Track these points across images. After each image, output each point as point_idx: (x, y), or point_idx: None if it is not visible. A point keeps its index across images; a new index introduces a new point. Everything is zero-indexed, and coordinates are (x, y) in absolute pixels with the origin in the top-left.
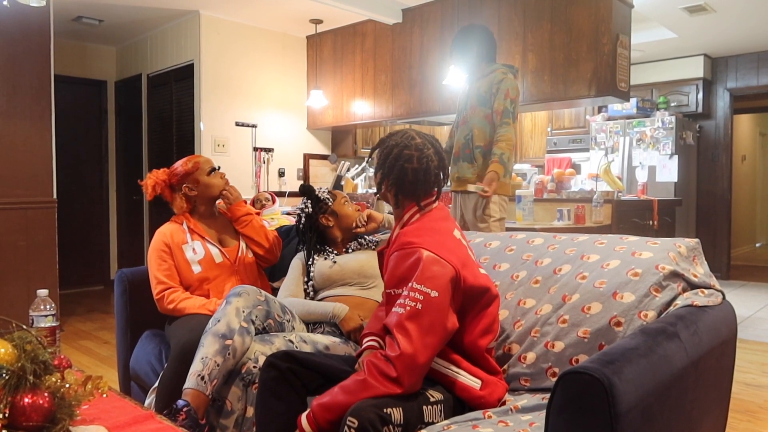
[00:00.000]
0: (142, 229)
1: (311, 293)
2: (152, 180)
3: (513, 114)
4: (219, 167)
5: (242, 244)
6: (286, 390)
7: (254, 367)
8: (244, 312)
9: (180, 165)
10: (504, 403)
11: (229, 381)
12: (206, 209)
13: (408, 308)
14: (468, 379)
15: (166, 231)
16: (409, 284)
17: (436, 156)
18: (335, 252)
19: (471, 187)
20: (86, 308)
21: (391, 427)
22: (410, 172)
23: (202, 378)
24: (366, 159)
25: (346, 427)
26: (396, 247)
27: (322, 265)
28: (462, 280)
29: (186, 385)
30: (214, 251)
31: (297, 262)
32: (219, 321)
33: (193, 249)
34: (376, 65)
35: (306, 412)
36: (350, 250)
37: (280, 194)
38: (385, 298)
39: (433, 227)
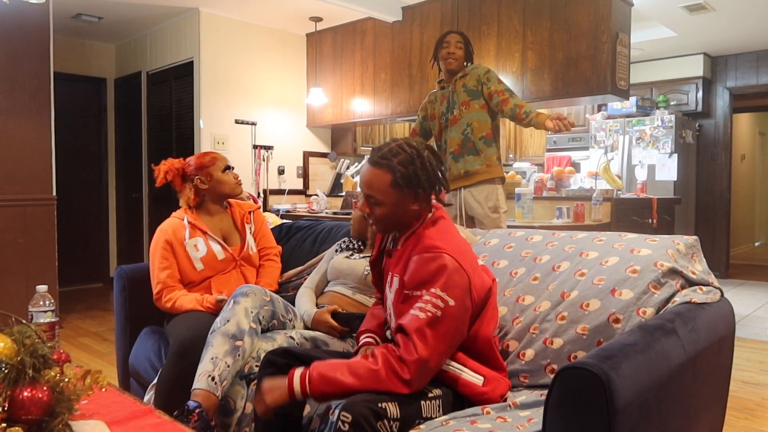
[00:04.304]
0: (141, 227)
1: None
2: (166, 166)
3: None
4: (233, 167)
5: (249, 241)
6: None
7: (257, 366)
8: (252, 312)
9: (195, 157)
10: (505, 400)
11: (233, 379)
12: (213, 205)
13: (429, 314)
14: (471, 376)
15: (167, 228)
16: (432, 289)
17: (435, 157)
18: (363, 252)
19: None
20: (86, 305)
21: (386, 421)
22: (423, 175)
23: (213, 379)
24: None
25: (339, 422)
26: (420, 249)
27: (337, 258)
28: (473, 288)
29: (196, 386)
30: (216, 248)
31: (329, 252)
32: (228, 321)
33: (195, 246)
34: (376, 63)
35: (301, 370)
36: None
37: (280, 192)
38: (400, 297)
39: (450, 230)
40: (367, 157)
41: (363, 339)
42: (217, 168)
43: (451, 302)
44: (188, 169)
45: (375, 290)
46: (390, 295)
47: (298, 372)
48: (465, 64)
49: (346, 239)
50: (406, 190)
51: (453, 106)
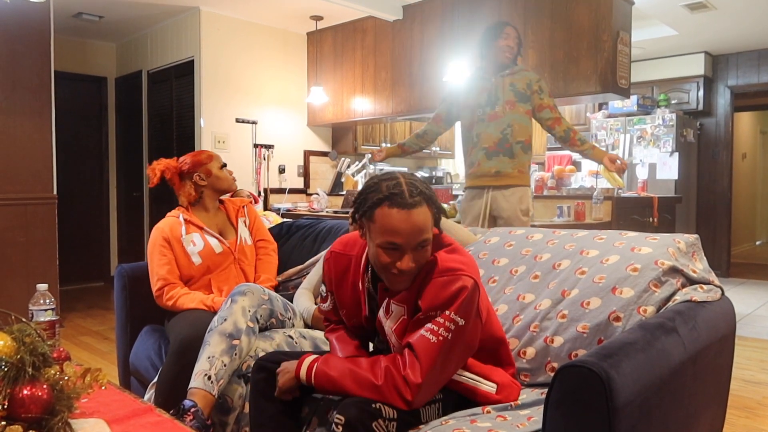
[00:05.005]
0: (142, 226)
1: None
2: (162, 165)
3: None
4: (227, 165)
5: (241, 234)
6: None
7: None
8: (250, 311)
9: (191, 155)
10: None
11: (231, 378)
12: (210, 202)
13: (440, 338)
14: (483, 385)
15: (163, 226)
16: (446, 312)
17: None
18: None
19: (610, 174)
20: (86, 304)
21: (381, 421)
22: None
23: (209, 378)
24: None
25: (333, 425)
26: (437, 273)
27: None
28: (481, 299)
29: (192, 385)
30: (213, 242)
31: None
32: (225, 320)
33: (192, 241)
34: (377, 62)
35: (311, 360)
36: None
37: (281, 191)
38: (406, 324)
39: (454, 244)
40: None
41: None
42: (215, 165)
43: (461, 322)
44: (184, 167)
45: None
46: (388, 321)
47: (307, 361)
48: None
49: None
50: (436, 218)
51: (495, 101)
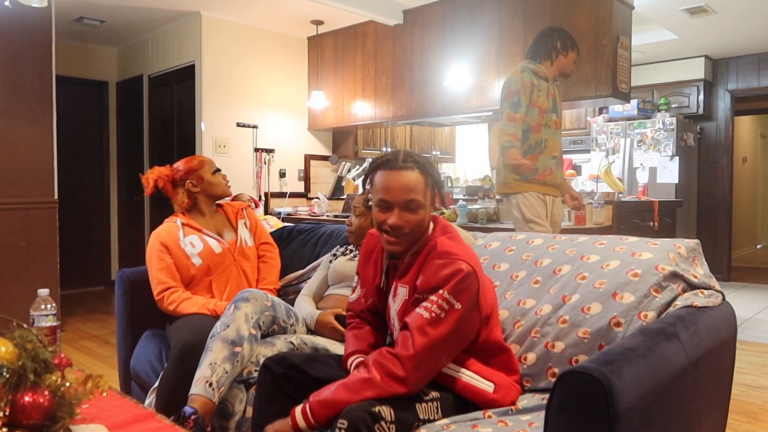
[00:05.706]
0: (143, 230)
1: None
2: (155, 174)
3: None
4: (221, 170)
5: (240, 236)
6: (280, 394)
7: (256, 370)
8: (252, 318)
9: (183, 162)
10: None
11: (232, 384)
12: (206, 207)
13: (433, 314)
14: (480, 383)
15: (161, 231)
16: (440, 291)
17: None
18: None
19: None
20: (87, 309)
21: (383, 423)
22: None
23: (210, 384)
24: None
25: (336, 430)
26: (435, 255)
27: (339, 261)
28: (482, 293)
29: (193, 391)
30: (212, 243)
31: (325, 259)
32: (228, 326)
33: (191, 243)
34: (377, 66)
35: (300, 406)
36: None
37: (281, 195)
38: (408, 305)
39: (459, 236)
40: (366, 165)
41: (357, 360)
42: (207, 171)
43: (458, 305)
44: (177, 175)
45: (352, 313)
46: (394, 305)
47: (298, 410)
48: None
49: (340, 247)
50: (434, 193)
51: (557, 108)
